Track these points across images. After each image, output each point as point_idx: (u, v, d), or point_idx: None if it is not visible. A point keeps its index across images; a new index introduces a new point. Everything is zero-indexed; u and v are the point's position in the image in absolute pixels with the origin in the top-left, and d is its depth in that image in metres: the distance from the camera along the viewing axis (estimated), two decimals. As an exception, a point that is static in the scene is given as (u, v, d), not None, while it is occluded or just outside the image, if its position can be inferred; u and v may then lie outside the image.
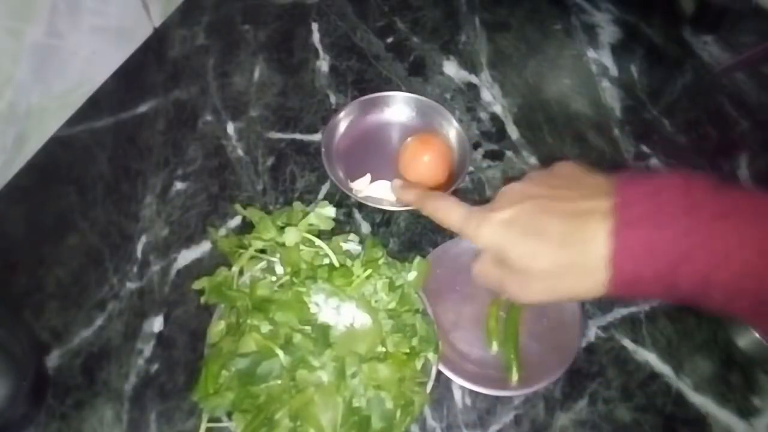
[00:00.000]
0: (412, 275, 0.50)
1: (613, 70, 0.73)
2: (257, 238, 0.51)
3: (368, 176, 0.61)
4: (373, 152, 0.64)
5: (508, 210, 0.39)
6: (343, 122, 0.65)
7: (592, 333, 0.53)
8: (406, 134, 0.63)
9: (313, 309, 0.47)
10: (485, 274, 0.42)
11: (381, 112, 0.66)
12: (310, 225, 0.51)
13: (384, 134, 0.66)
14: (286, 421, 0.43)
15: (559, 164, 0.41)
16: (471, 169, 0.63)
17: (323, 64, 0.72)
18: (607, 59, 0.74)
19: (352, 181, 0.61)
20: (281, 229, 0.51)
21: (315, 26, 0.76)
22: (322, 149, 0.61)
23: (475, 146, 0.65)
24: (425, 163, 0.58)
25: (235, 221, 0.59)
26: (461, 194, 0.61)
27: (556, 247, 0.37)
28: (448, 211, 0.43)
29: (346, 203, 0.60)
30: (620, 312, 0.55)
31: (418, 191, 0.49)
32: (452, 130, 0.64)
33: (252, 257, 0.51)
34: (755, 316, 0.34)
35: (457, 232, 0.42)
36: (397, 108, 0.67)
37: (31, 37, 0.56)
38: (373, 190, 0.60)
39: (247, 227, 0.56)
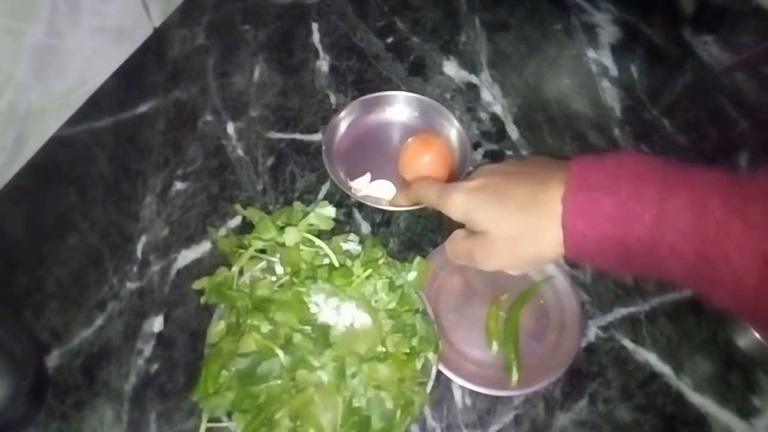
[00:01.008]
0: (412, 275, 0.50)
1: (613, 70, 0.73)
2: (257, 238, 0.51)
3: (368, 175, 0.61)
4: (374, 152, 0.64)
5: (478, 180, 0.44)
6: (344, 122, 0.65)
7: (592, 333, 0.53)
8: (407, 134, 0.63)
9: (313, 309, 0.47)
10: (456, 248, 0.47)
11: (382, 112, 0.66)
12: (310, 225, 0.51)
13: (385, 134, 0.66)
14: (286, 421, 0.43)
15: (535, 156, 0.47)
16: (471, 169, 0.63)
17: (323, 64, 0.72)
18: (607, 59, 0.74)
19: (353, 179, 0.61)
20: (281, 229, 0.51)
21: (315, 26, 0.76)
22: (323, 148, 0.61)
23: (475, 146, 0.65)
24: (425, 163, 0.58)
25: (235, 221, 0.59)
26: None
27: (516, 210, 0.41)
28: (427, 190, 0.48)
29: (346, 203, 0.60)
30: (620, 312, 0.55)
31: (405, 189, 0.54)
32: (453, 130, 0.64)
33: (252, 257, 0.51)
34: (698, 281, 0.36)
35: (436, 207, 0.47)
36: (399, 107, 0.66)
37: (31, 37, 0.56)
38: (373, 189, 0.60)
39: (247, 227, 0.56)
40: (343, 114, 0.64)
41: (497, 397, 0.50)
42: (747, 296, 0.34)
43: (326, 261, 0.50)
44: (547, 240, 0.39)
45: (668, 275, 0.37)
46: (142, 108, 0.66)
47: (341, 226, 0.58)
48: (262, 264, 0.51)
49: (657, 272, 0.37)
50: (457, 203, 0.44)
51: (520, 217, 0.40)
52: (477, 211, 0.43)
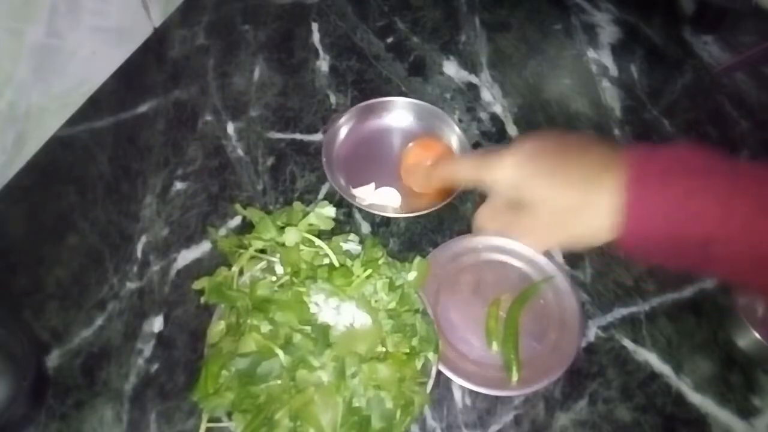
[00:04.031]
0: (412, 275, 0.50)
1: (613, 70, 0.73)
2: (257, 238, 0.51)
3: (372, 184, 0.60)
4: (374, 158, 0.63)
5: (526, 152, 0.41)
6: (342, 129, 0.64)
7: (592, 333, 0.53)
8: (406, 140, 0.62)
9: (313, 309, 0.47)
10: (489, 219, 0.44)
11: (381, 118, 0.66)
12: (310, 225, 0.51)
13: (384, 140, 0.65)
14: (286, 421, 0.43)
15: (572, 133, 0.44)
16: (471, 169, 0.63)
17: (323, 64, 0.72)
18: (607, 59, 0.74)
19: (355, 187, 0.61)
20: (281, 229, 0.51)
21: (315, 26, 0.76)
22: (323, 160, 0.60)
23: (475, 146, 0.65)
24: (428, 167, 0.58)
25: (235, 221, 0.59)
26: (462, 195, 0.61)
27: (570, 187, 0.38)
28: (459, 164, 0.45)
29: (346, 203, 0.60)
30: (620, 312, 0.55)
31: (427, 171, 0.51)
32: (453, 135, 0.63)
33: (252, 257, 0.51)
34: (755, 275, 0.35)
35: (470, 179, 0.44)
36: (397, 113, 0.66)
37: (31, 37, 0.56)
38: (377, 197, 0.60)
39: (247, 227, 0.56)
40: (342, 120, 0.64)
41: (497, 397, 0.50)
42: None
43: (326, 261, 0.50)
44: (600, 221, 0.38)
45: (720, 272, 0.37)
46: (142, 108, 0.66)
47: (341, 226, 0.58)
48: (262, 264, 0.51)
49: (707, 267, 0.37)
50: (502, 175, 0.41)
51: (577, 192, 0.38)
52: (527, 182, 0.40)
